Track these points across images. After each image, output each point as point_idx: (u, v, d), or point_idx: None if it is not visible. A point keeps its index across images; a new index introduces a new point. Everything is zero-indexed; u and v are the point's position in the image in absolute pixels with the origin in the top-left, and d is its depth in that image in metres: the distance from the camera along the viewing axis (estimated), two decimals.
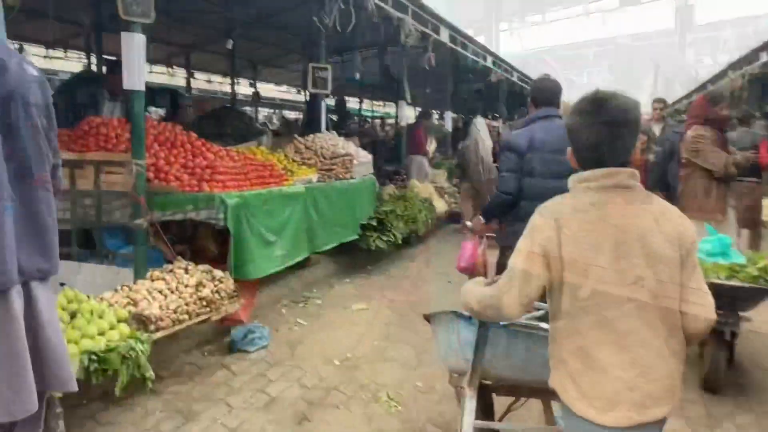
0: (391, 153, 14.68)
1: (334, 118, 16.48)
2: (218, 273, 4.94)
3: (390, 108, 30.63)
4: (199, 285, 4.75)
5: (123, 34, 4.93)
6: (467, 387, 2.85)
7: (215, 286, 4.85)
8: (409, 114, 28.00)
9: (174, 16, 12.39)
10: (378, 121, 28.76)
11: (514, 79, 13.61)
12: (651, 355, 1.96)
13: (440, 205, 11.02)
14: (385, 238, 7.98)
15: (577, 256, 1.97)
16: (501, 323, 2.70)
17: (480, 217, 4.59)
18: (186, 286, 4.66)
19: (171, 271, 4.77)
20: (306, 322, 6.12)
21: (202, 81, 16.41)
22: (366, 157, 7.75)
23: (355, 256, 8.35)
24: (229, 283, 4.96)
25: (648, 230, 1.97)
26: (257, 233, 5.55)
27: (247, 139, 7.77)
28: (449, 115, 13.17)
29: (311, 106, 8.81)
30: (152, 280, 4.61)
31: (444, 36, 8.82)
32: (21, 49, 11.72)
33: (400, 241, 8.37)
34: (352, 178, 7.32)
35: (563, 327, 2.04)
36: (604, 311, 1.96)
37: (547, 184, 4.09)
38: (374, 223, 7.95)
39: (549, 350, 2.13)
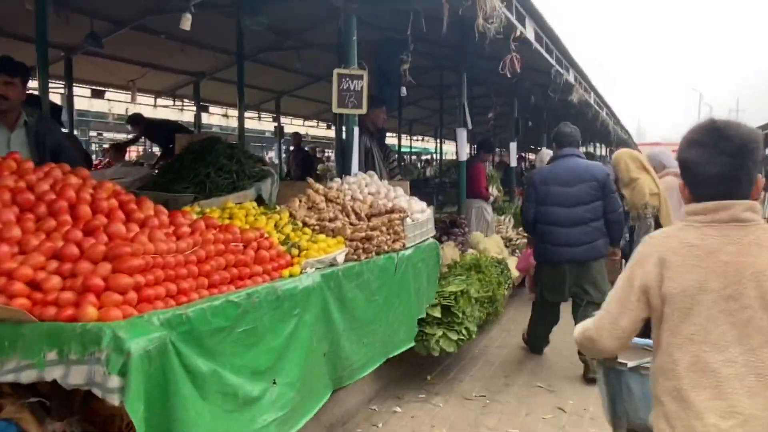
0: (437, 197, 11.66)
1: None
2: None
3: (428, 143, 27.71)
4: None
5: None
6: None
7: None
8: (449, 149, 24.90)
9: (179, 37, 9.75)
10: (412, 157, 25.81)
11: (591, 101, 10.55)
12: (758, 406, 1.75)
13: (514, 266, 7.90)
14: (454, 336, 4.87)
15: (679, 293, 1.83)
16: (628, 366, 2.40)
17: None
18: None
19: None
20: None
21: (217, 116, 13.72)
22: (424, 211, 4.68)
23: (407, 359, 5.25)
24: None
25: (765, 269, 1.77)
26: (218, 391, 2.51)
27: (239, 188, 4.83)
28: (514, 148, 10.09)
29: (339, 137, 5.79)
30: None
31: (529, 32, 5.84)
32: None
33: (474, 335, 5.25)
34: (403, 247, 4.27)
35: (660, 365, 1.90)
36: (704, 353, 1.79)
37: (554, 211, 5.36)
38: (437, 313, 4.85)
39: (650, 388, 1.99)
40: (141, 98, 11.63)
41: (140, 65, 10.28)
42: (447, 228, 7.65)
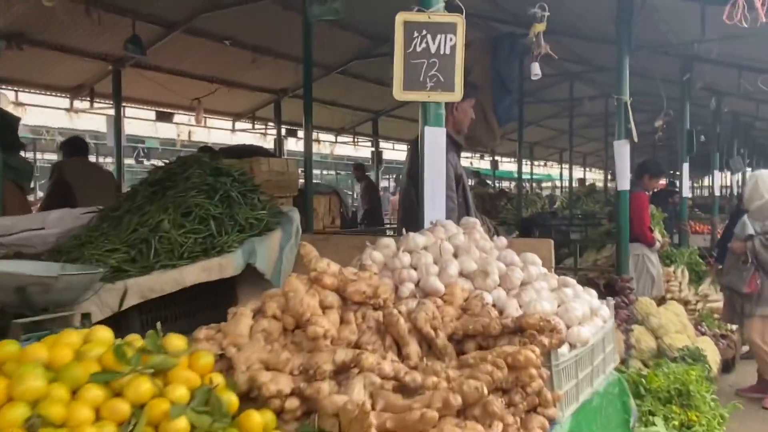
0: (567, 240, 8.61)
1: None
2: None
3: (552, 169, 24.21)
4: None
5: None
6: None
7: None
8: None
9: (247, 43, 7.69)
10: (532, 185, 22.21)
11: None
12: None
13: (710, 352, 4.84)
14: None
15: None
16: None
17: None
18: None
19: None
20: None
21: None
22: (597, 315, 1.95)
23: None
24: None
25: None
26: None
27: (216, 248, 2.38)
28: (686, 171, 6.93)
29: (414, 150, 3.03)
30: None
31: None
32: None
33: None
34: (548, 425, 1.59)
35: None
36: None
37: None
38: None
39: None
40: (217, 122, 9.76)
41: (206, 81, 8.35)
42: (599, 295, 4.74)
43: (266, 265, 2.43)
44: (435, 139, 2.43)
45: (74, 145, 4.94)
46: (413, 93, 2.39)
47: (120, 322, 2.32)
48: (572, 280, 1.97)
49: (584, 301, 1.86)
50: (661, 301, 6.04)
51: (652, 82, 7.74)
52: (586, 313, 1.80)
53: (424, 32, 2.37)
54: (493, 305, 1.72)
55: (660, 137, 6.26)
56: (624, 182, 4.79)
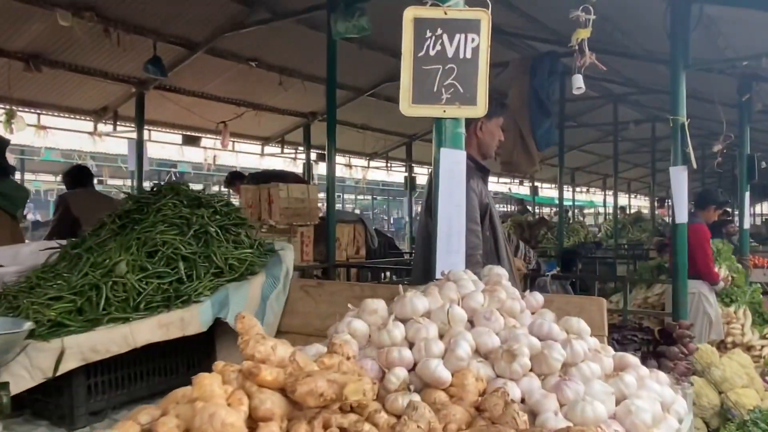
0: (613, 271, 7.97)
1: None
2: None
3: (594, 196, 23.24)
4: None
5: None
6: None
7: None
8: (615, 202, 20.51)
9: (274, 65, 7.38)
10: (575, 212, 21.27)
11: None
12: None
13: None
14: None
15: None
16: None
17: None
18: None
19: None
20: None
21: (339, 166, 11.29)
22: (676, 409, 1.40)
23: None
24: None
25: None
26: None
27: (181, 297, 1.92)
28: (747, 199, 6.15)
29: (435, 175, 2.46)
30: None
31: None
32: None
33: None
34: None
35: None
36: None
37: None
38: None
39: None
40: (245, 146, 9.46)
41: (232, 104, 8.06)
42: (651, 343, 4.10)
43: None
44: (452, 164, 1.92)
45: (77, 175, 4.60)
46: (425, 107, 1.90)
47: (62, 388, 1.87)
48: (634, 359, 1.41)
49: (652, 393, 1.31)
50: (719, 345, 5.35)
51: (701, 103, 7.10)
52: (657, 412, 1.25)
53: (440, 31, 1.89)
54: (522, 401, 1.19)
55: (719, 163, 5.60)
56: (682, 213, 4.16)
